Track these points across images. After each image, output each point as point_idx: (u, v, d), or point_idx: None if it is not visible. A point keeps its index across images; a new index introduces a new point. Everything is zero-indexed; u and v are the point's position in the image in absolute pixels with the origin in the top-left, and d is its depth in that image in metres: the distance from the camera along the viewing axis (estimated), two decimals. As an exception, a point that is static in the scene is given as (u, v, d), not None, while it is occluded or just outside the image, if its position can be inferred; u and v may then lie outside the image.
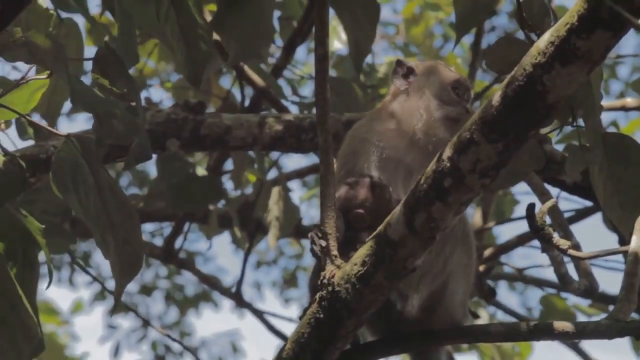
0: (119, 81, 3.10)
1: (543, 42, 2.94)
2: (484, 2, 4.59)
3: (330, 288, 3.41)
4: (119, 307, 3.12)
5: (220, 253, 25.98)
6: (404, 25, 9.31)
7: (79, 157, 3.05)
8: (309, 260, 11.64)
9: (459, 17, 4.63)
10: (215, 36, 5.78)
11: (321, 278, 3.45)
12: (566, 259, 4.57)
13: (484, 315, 7.51)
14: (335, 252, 3.49)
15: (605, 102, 6.69)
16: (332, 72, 7.63)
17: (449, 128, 3.97)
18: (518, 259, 19.27)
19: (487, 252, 6.93)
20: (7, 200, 2.98)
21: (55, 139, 4.40)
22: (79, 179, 3.03)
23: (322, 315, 3.45)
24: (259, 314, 7.75)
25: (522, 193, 8.11)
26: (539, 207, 3.43)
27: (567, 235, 4.44)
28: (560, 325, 3.60)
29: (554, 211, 4.48)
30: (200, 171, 6.59)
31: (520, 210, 7.93)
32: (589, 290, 4.36)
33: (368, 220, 3.81)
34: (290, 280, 11.82)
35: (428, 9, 8.83)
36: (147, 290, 11.47)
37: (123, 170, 7.69)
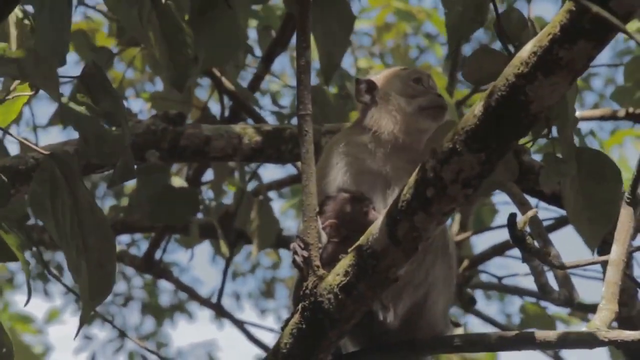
0: (104, 99, 3.09)
1: (525, 52, 2.95)
2: (471, 16, 4.62)
3: (312, 298, 3.40)
4: (83, 325, 3.09)
5: (196, 264, 25.90)
6: (376, 32, 9.33)
7: (59, 177, 3.02)
8: (286, 271, 11.63)
9: (450, 29, 4.66)
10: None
11: (303, 288, 3.45)
12: (546, 268, 4.59)
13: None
14: (317, 262, 3.48)
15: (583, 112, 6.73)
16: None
17: (427, 117, 4.04)
18: (495, 268, 19.32)
19: (466, 261, 6.96)
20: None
21: (34, 152, 4.38)
22: (57, 200, 3.01)
23: (304, 326, 3.44)
24: (240, 324, 7.74)
25: (502, 203, 8.13)
26: (519, 217, 3.44)
27: (547, 244, 4.46)
28: (543, 334, 3.61)
29: (534, 221, 4.50)
30: (178, 182, 6.58)
31: (500, 220, 7.95)
32: (569, 300, 4.38)
33: (343, 232, 3.84)
34: (267, 291, 11.79)
35: (401, 18, 8.86)
36: (123, 300, 11.42)
37: (107, 188, 7.68)
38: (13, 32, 4.43)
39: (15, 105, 3.32)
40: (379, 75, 4.26)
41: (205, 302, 8.30)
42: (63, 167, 3.08)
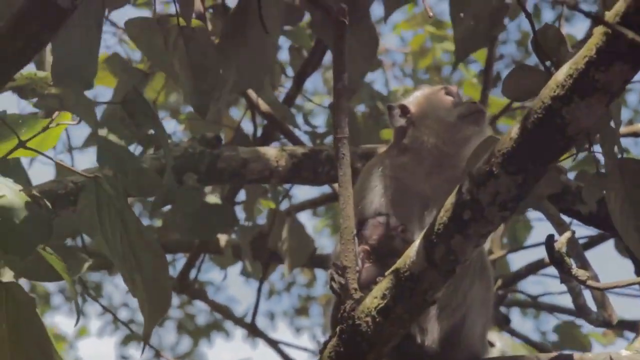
0: (145, 123, 3.12)
1: (562, 74, 2.95)
2: (483, 29, 4.64)
3: (350, 321, 3.41)
4: (147, 341, 3.12)
5: (231, 283, 25.95)
6: (412, 57, 9.36)
7: (104, 197, 3.06)
8: (320, 289, 11.63)
9: (458, 42, 4.69)
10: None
11: (341, 311, 3.46)
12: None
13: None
14: (355, 285, 3.49)
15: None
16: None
17: (470, 123, 4.10)
18: (530, 285, 19.24)
19: (500, 280, 6.94)
20: (34, 248, 2.98)
21: (73, 175, 4.42)
22: (105, 219, 3.05)
23: (342, 349, 3.45)
24: (274, 344, 7.75)
25: (536, 219, 8.09)
26: (556, 237, 3.44)
27: (584, 265, 4.43)
28: (580, 356, 3.61)
29: (571, 241, 4.48)
30: (213, 199, 6.61)
31: (534, 236, 7.93)
32: (608, 320, 4.35)
33: (373, 257, 3.88)
34: (301, 310, 11.80)
35: (435, 41, 8.89)
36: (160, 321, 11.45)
37: (150, 212, 7.73)
38: (49, 58, 4.49)
39: (54, 132, 3.36)
40: (410, 98, 4.31)
41: (239, 321, 8.32)
42: (109, 189, 3.12)
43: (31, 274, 3.09)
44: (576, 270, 3.42)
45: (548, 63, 3.46)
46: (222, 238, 7.31)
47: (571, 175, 5.14)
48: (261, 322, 12.75)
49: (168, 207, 6.49)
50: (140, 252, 3.11)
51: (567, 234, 3.45)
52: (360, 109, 7.03)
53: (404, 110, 4.21)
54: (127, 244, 3.09)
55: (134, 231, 3.10)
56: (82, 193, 3.05)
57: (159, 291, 3.14)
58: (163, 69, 4.50)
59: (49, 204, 3.06)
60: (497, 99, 7.64)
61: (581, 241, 6.47)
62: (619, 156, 3.49)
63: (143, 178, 3.11)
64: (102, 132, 3.09)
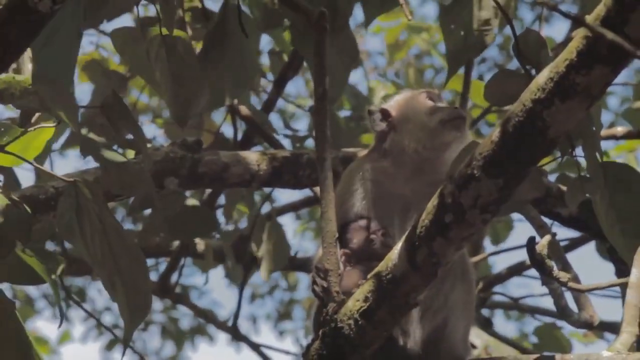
0: (124, 127, 3.12)
1: (542, 78, 2.96)
2: (475, 40, 4.65)
3: (333, 324, 3.42)
4: (127, 345, 3.11)
5: (215, 287, 25.91)
6: (387, 51, 9.35)
7: (84, 202, 3.06)
8: (303, 293, 11.64)
9: (451, 54, 4.69)
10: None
11: (324, 314, 3.46)
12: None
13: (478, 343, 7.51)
14: (337, 288, 3.50)
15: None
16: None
17: (452, 129, 4.08)
18: (513, 287, 19.28)
19: (481, 283, 6.96)
20: (15, 245, 2.98)
21: (54, 180, 4.40)
22: (84, 223, 3.04)
23: (325, 352, 3.45)
24: (256, 347, 7.75)
25: (518, 220, 8.13)
26: (537, 239, 3.45)
27: (566, 267, 4.47)
28: (562, 358, 3.61)
29: (552, 243, 4.50)
30: (192, 202, 6.61)
31: (515, 236, 7.96)
32: (589, 322, 4.38)
33: (354, 261, 3.89)
34: (284, 313, 11.80)
35: (412, 32, 8.86)
36: (143, 325, 11.43)
37: (127, 215, 7.73)
38: (28, 65, 4.48)
39: (39, 140, 3.34)
40: (391, 102, 4.29)
41: (221, 325, 8.31)
42: (87, 193, 3.11)
43: (13, 277, 3.08)
44: (557, 272, 3.43)
45: (530, 67, 3.47)
46: (202, 242, 7.31)
47: (552, 178, 5.18)
48: (244, 326, 12.75)
49: (149, 210, 6.50)
50: (119, 257, 3.11)
51: (548, 237, 3.46)
52: (342, 113, 7.05)
53: (385, 114, 4.21)
54: (106, 249, 3.08)
55: (114, 235, 3.10)
56: (62, 198, 3.05)
57: (138, 295, 3.14)
58: (147, 79, 4.51)
59: (27, 207, 3.05)
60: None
61: (562, 243, 6.51)
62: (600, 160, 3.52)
63: (125, 174, 3.10)
64: (83, 131, 3.09)
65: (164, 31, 4.20)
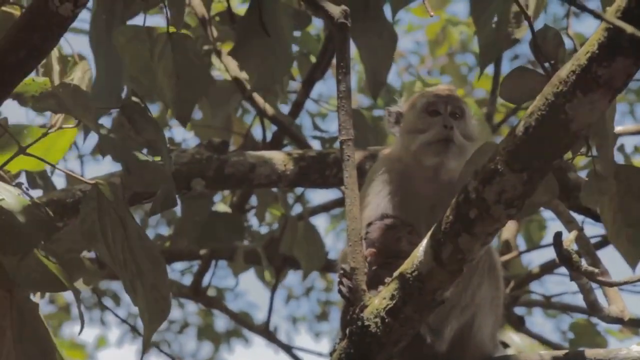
0: (145, 129, 3.13)
1: (565, 71, 2.94)
2: (506, 33, 4.61)
3: (360, 323, 3.41)
4: (147, 349, 3.14)
5: (251, 288, 25.92)
6: (428, 47, 9.33)
7: (106, 205, 3.07)
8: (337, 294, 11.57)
9: (483, 48, 4.65)
10: (235, 73, 5.86)
11: (351, 313, 3.46)
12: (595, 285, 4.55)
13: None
14: (363, 286, 3.49)
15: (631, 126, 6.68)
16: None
17: (430, 154, 4.01)
18: (550, 285, 19.13)
19: (513, 281, 6.92)
20: (32, 248, 2.99)
21: (81, 184, 4.43)
22: (107, 227, 3.05)
23: (352, 350, 3.44)
24: (288, 349, 7.74)
25: (551, 219, 8.06)
26: (566, 235, 3.42)
27: (595, 262, 4.42)
28: (593, 352, 3.60)
29: (581, 238, 4.47)
30: (223, 208, 6.62)
31: (549, 236, 7.89)
32: (620, 316, 4.33)
33: (380, 260, 3.87)
34: (321, 314, 11.79)
35: (449, 26, 8.85)
36: (179, 327, 11.47)
37: (148, 216, 7.76)
38: (56, 67, 4.52)
39: (63, 141, 3.36)
40: (405, 106, 4.24)
41: (255, 328, 8.32)
42: (109, 196, 3.12)
43: (35, 283, 3.09)
44: (585, 267, 3.40)
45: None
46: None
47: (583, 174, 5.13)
48: (283, 327, 12.75)
49: (179, 215, 6.53)
50: (140, 259, 3.12)
51: (575, 232, 3.44)
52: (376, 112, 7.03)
53: (399, 116, 4.20)
54: (128, 252, 3.09)
55: (135, 238, 3.11)
56: (84, 201, 3.06)
57: (159, 298, 3.14)
58: (144, 78, 4.50)
59: (49, 211, 3.06)
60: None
61: (594, 240, 6.45)
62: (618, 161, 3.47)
63: (146, 172, 3.11)
64: (103, 131, 3.11)
65: (172, 29, 4.21)
